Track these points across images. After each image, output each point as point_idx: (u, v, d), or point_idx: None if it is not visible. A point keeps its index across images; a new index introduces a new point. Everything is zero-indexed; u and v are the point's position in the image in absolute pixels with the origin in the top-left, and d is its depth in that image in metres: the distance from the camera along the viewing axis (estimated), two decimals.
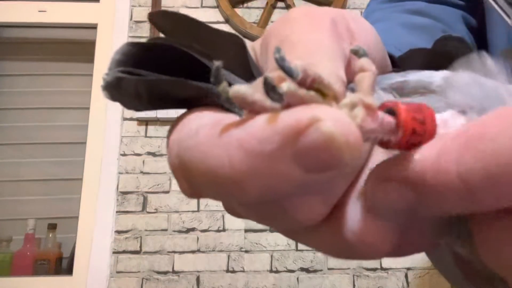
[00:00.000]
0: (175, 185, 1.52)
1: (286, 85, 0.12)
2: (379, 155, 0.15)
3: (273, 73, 0.13)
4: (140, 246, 1.47)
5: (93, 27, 1.72)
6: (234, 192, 0.13)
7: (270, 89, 0.12)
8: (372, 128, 0.12)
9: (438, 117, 0.14)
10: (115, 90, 0.15)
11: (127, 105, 0.16)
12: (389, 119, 0.13)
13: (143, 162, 1.55)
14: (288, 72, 0.12)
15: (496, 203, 0.11)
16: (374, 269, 1.47)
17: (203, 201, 1.52)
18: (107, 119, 1.58)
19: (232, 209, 0.16)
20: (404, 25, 0.34)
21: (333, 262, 1.47)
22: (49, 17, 1.73)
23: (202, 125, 0.14)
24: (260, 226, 1.49)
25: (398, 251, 0.15)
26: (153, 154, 1.56)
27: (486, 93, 0.15)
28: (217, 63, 0.12)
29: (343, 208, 0.14)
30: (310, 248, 1.49)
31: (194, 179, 0.14)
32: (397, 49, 0.27)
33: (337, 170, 0.12)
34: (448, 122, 0.14)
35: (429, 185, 0.12)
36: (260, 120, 0.12)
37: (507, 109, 0.11)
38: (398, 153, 0.13)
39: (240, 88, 0.12)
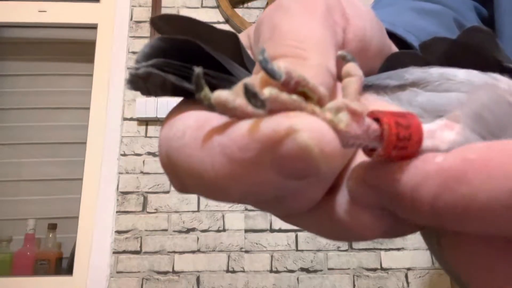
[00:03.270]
0: None
1: (268, 91, 0.12)
2: None
3: (257, 75, 0.13)
4: (140, 246, 1.47)
5: (93, 27, 1.72)
6: (218, 193, 0.13)
7: (251, 96, 0.12)
8: (357, 134, 0.12)
9: (426, 127, 0.14)
10: (144, 82, 0.15)
11: (149, 94, 0.17)
12: (374, 126, 0.13)
13: (143, 162, 1.55)
14: (272, 75, 0.12)
15: (460, 229, 0.12)
16: (374, 269, 1.47)
17: (203, 201, 1.52)
18: (107, 119, 1.58)
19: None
20: (413, 9, 0.34)
21: (333, 262, 1.47)
22: (49, 17, 1.73)
23: (189, 126, 0.14)
24: (260, 227, 1.49)
25: (392, 231, 0.15)
26: (153, 154, 1.56)
27: (498, 121, 0.14)
28: (197, 70, 0.12)
29: (336, 190, 0.15)
30: (310, 248, 1.49)
31: (182, 179, 0.14)
32: (406, 31, 0.27)
33: (315, 177, 0.12)
34: (435, 133, 0.14)
35: (404, 204, 0.13)
36: (242, 127, 0.12)
37: (491, 158, 0.12)
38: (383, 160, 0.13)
39: (221, 95, 0.12)
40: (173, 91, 0.16)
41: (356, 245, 1.49)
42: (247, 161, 0.12)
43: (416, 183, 0.12)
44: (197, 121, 0.14)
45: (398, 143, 0.13)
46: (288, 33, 0.15)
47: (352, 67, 0.15)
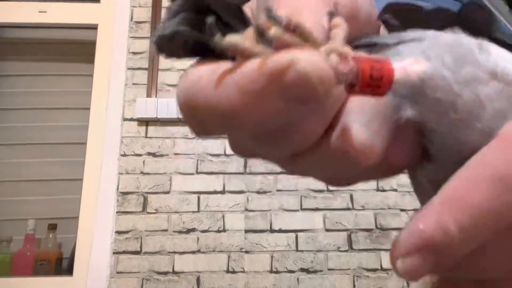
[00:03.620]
0: (175, 186, 1.53)
1: (274, 30, 0.15)
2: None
3: (262, 22, 0.15)
4: (140, 247, 1.47)
5: (94, 27, 1.72)
6: (234, 125, 0.16)
7: (260, 33, 0.15)
8: (344, 72, 0.15)
9: (398, 64, 0.16)
10: (168, 42, 0.17)
11: (172, 55, 0.18)
12: (355, 67, 0.15)
13: (143, 162, 1.55)
14: (274, 19, 0.15)
15: (488, 235, 0.16)
16: (375, 270, 1.47)
17: (203, 201, 1.52)
18: (107, 119, 1.58)
19: (237, 146, 0.18)
20: None
21: (333, 262, 1.47)
22: (49, 17, 1.73)
23: (204, 72, 0.16)
24: (260, 227, 1.49)
25: (387, 165, 0.18)
26: (153, 155, 1.56)
27: (459, 56, 0.17)
28: (210, 19, 0.15)
29: (334, 125, 0.17)
30: (310, 249, 1.49)
31: (200, 118, 0.16)
32: None
33: (316, 102, 0.15)
34: (406, 68, 0.16)
35: (440, 244, 0.15)
36: (252, 64, 0.15)
37: (477, 176, 0.15)
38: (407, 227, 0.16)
39: (232, 38, 0.14)
40: (193, 51, 0.18)
41: (356, 245, 1.49)
42: (258, 92, 0.14)
43: (435, 220, 0.15)
44: (210, 68, 0.16)
45: (372, 82, 0.15)
46: (285, 1, 0.17)
47: (338, 20, 0.17)
